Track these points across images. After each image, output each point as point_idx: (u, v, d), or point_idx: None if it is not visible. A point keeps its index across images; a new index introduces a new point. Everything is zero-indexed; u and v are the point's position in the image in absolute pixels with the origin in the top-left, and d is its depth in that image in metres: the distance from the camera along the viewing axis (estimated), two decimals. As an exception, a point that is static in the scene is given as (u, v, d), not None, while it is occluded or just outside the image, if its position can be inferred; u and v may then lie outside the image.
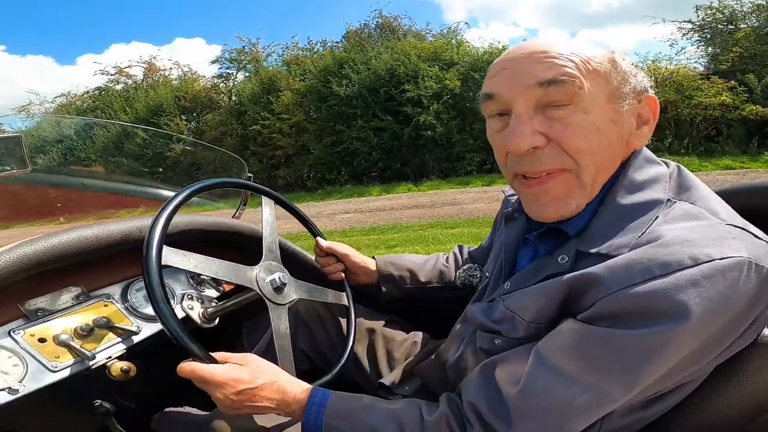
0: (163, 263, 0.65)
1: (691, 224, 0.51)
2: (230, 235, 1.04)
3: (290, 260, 1.05)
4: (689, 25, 10.54)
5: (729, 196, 0.65)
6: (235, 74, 13.33)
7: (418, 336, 0.98)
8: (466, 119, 9.89)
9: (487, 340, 0.65)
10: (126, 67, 14.59)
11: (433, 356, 0.81)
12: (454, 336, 0.78)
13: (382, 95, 10.30)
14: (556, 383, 0.52)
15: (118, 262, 0.87)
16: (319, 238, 1.01)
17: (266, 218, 0.90)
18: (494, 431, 0.55)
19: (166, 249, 0.67)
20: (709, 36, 10.31)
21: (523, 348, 0.58)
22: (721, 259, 0.46)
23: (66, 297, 0.80)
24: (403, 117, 10.11)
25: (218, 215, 1.13)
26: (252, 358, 0.68)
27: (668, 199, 0.55)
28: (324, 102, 10.83)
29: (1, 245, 0.75)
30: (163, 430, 0.79)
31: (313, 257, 1.07)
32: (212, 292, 1.03)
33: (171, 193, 1.30)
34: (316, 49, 12.88)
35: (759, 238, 0.50)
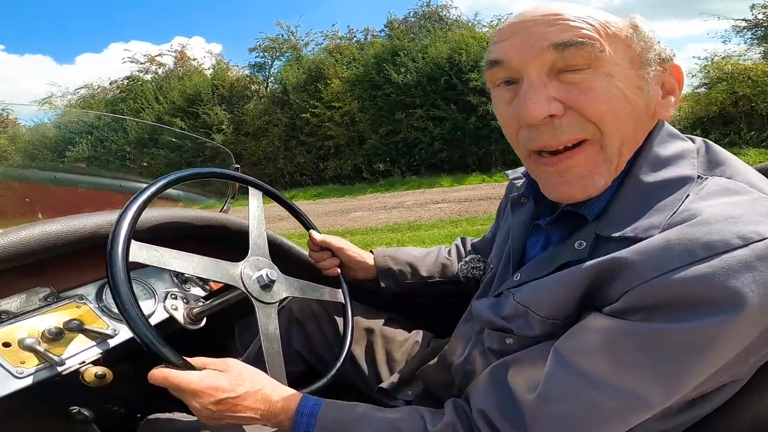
0: (130, 259, 0.59)
1: (733, 199, 0.45)
2: (215, 230, 0.97)
3: (281, 256, 0.99)
4: (744, 23, 10.84)
5: None
6: (270, 63, 13.22)
7: (420, 335, 0.93)
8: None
9: (496, 339, 0.59)
10: (157, 56, 14.42)
11: (436, 357, 0.76)
12: (459, 335, 0.72)
13: (441, 84, 10.13)
14: (581, 387, 0.46)
15: (91, 260, 0.80)
16: (312, 231, 0.95)
17: (253, 211, 0.84)
18: None
19: (134, 244, 0.61)
20: (763, 33, 10.64)
21: (539, 347, 0.52)
22: None
23: (33, 298, 0.73)
24: (464, 106, 9.91)
25: (202, 210, 1.07)
26: (233, 364, 0.62)
27: (699, 176, 0.49)
28: (378, 90, 10.63)
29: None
30: None
31: (306, 252, 1.01)
32: (198, 291, 0.97)
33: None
34: (356, 38, 12.78)
35: None
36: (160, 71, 14.22)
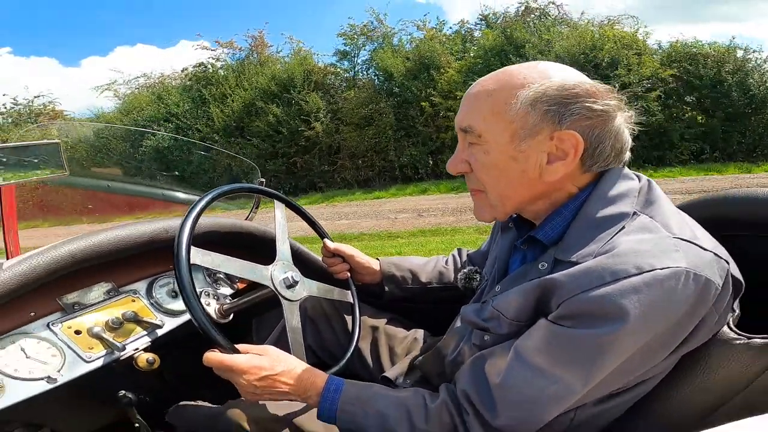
0: (191, 262, 0.72)
1: (644, 237, 0.57)
2: (245, 236, 1.11)
3: (299, 260, 1.11)
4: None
5: (702, 206, 0.71)
6: (357, 51, 11.97)
7: (418, 333, 1.05)
8: (677, 108, 9.32)
9: (478, 336, 0.72)
10: (229, 42, 13.07)
11: (432, 351, 0.87)
12: (452, 333, 0.84)
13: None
14: (530, 377, 0.59)
15: (145, 259, 0.94)
16: (326, 240, 1.07)
17: (279, 221, 0.96)
18: (483, 417, 0.62)
19: (193, 249, 0.74)
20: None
21: (506, 344, 0.65)
22: (661, 269, 0.53)
23: (98, 292, 0.87)
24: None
25: (233, 217, 1.21)
26: (270, 349, 0.75)
27: (634, 212, 0.61)
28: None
29: (39, 245, 0.83)
30: (178, 422, 0.84)
31: (320, 258, 1.13)
32: (227, 290, 1.09)
33: (188, 197, 1.38)
34: (444, 31, 11.80)
35: (705, 249, 0.57)
36: (229, 59, 12.96)
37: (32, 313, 0.78)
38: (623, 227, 0.59)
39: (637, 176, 0.67)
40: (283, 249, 0.92)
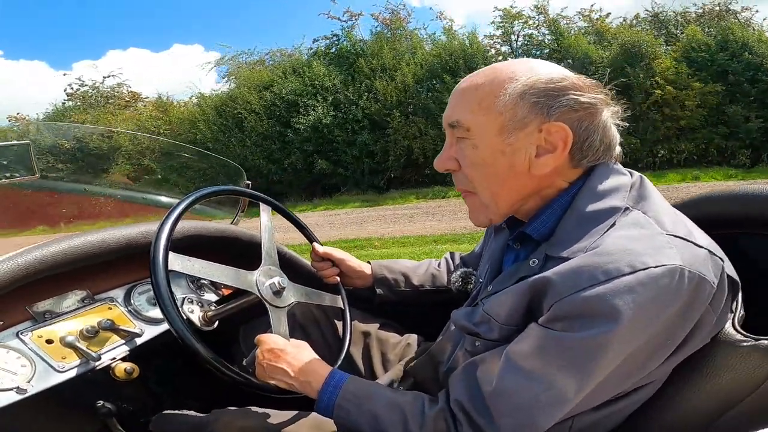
0: (168, 268, 0.69)
1: (636, 233, 0.55)
2: (229, 241, 1.07)
3: (287, 265, 1.08)
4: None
5: (698, 204, 0.70)
6: (516, 35, 11.33)
7: (411, 338, 1.02)
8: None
9: (470, 342, 0.69)
10: (358, 14, 11.85)
11: (425, 357, 0.85)
12: (446, 338, 0.81)
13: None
14: (523, 382, 0.56)
15: (122, 266, 0.90)
16: (315, 244, 1.04)
17: (264, 224, 0.93)
18: (479, 426, 0.59)
19: (171, 255, 0.71)
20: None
21: (498, 350, 0.62)
22: (656, 267, 0.51)
23: (72, 300, 0.83)
24: None
25: (216, 222, 1.17)
26: (301, 342, 0.80)
27: (626, 207, 0.59)
28: (724, 74, 9.31)
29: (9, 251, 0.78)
30: (162, 431, 0.81)
31: (308, 261, 1.10)
32: (211, 296, 1.06)
33: (170, 200, 1.33)
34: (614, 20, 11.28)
35: (699, 246, 0.55)
36: (361, 32, 11.77)
37: (0, 322, 0.74)
38: (615, 222, 0.57)
39: (630, 172, 0.65)
40: (269, 253, 0.89)
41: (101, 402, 0.83)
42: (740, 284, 0.60)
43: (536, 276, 0.58)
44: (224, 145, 10.75)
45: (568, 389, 0.55)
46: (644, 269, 0.51)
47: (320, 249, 1.03)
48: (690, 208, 0.72)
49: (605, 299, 0.51)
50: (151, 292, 0.93)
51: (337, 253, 1.03)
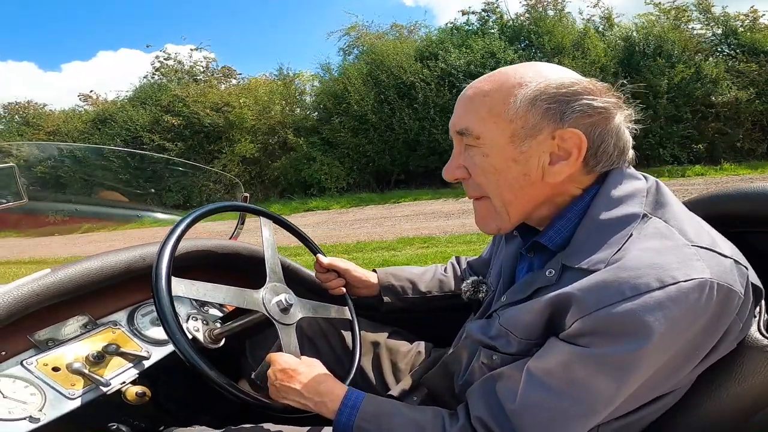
0: (173, 294, 0.68)
1: (660, 244, 0.54)
2: (230, 257, 1.06)
3: (291, 278, 1.07)
4: None
5: (709, 202, 0.70)
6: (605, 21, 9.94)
7: (421, 346, 1.01)
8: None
9: (486, 355, 0.68)
10: None
11: (439, 366, 0.83)
12: (460, 348, 0.79)
13: None
14: (548, 399, 0.56)
15: (123, 289, 0.88)
16: (319, 255, 1.03)
17: (266, 239, 0.91)
18: None
19: (174, 280, 0.69)
20: None
21: (517, 365, 0.61)
22: (685, 281, 0.50)
23: (74, 326, 0.81)
24: None
25: (216, 236, 1.14)
26: (304, 358, 0.79)
27: (644, 215, 0.57)
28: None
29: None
30: None
31: (312, 273, 1.08)
32: (216, 313, 1.04)
33: (166, 216, 1.30)
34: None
35: (725, 256, 0.54)
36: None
37: (3, 353, 0.72)
38: (634, 231, 0.56)
39: (644, 176, 0.64)
40: (274, 269, 0.88)
41: (115, 425, 0.82)
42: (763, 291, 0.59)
43: (557, 291, 0.56)
44: (388, 116, 9.33)
45: (597, 404, 0.54)
46: (674, 284, 0.50)
47: (324, 260, 1.01)
48: (700, 206, 0.72)
49: (635, 315, 0.49)
50: (155, 314, 0.91)
51: (342, 263, 1.02)
